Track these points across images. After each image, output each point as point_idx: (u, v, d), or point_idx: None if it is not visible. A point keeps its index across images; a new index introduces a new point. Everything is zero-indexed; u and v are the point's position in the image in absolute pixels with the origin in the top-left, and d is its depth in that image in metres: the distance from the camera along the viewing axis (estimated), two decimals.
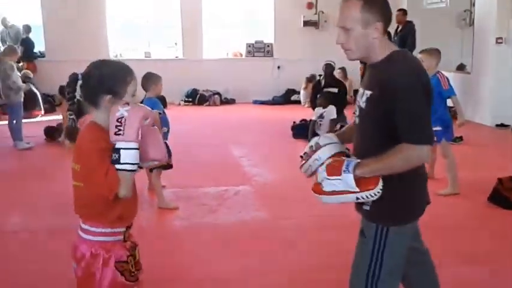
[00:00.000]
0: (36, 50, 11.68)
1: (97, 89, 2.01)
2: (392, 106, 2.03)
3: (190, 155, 7.23)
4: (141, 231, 4.35)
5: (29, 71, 10.42)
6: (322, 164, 2.15)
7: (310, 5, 12.37)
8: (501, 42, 8.92)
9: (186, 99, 12.08)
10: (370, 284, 2.19)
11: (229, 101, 12.16)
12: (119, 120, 1.90)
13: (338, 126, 8.36)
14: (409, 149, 2.02)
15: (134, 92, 2.08)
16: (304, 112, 9.39)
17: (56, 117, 8.89)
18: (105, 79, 2.01)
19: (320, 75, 10.44)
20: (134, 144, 1.92)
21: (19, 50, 10.95)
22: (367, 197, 2.04)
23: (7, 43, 11.62)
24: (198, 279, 3.56)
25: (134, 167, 1.94)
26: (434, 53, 5.65)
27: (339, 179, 2.05)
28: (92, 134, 2.02)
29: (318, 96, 8.47)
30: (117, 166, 1.91)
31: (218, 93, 12.08)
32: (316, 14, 12.34)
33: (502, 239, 4.30)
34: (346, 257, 3.79)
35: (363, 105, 2.18)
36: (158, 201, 4.99)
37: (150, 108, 2.05)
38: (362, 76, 10.36)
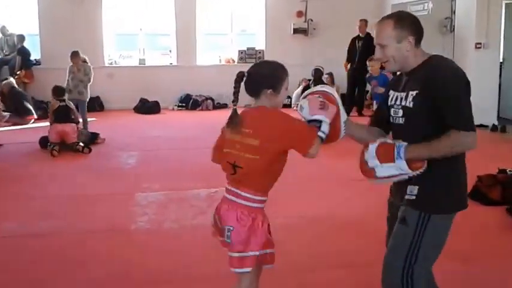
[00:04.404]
0: (32, 58, 11.84)
1: (260, 84, 2.46)
2: (439, 98, 2.27)
3: (182, 158, 7.44)
4: (131, 233, 4.63)
5: (11, 81, 10.70)
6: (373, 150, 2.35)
7: (300, 14, 12.67)
8: (480, 47, 9.34)
9: (180, 104, 12.32)
10: (408, 265, 2.37)
11: (222, 106, 12.42)
12: (322, 101, 2.39)
13: None
14: (456, 135, 2.24)
15: (287, 86, 2.52)
16: (293, 114, 9.61)
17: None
18: (267, 77, 2.48)
19: (309, 80, 10.80)
20: (329, 120, 2.39)
21: (17, 59, 11.33)
22: (417, 174, 2.30)
23: (4, 51, 11.91)
24: (191, 279, 3.69)
25: (324, 137, 2.38)
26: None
27: (392, 166, 2.29)
28: (275, 110, 2.47)
29: None
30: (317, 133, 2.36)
31: (211, 98, 12.35)
32: (305, 22, 12.64)
33: (483, 233, 4.55)
34: (336, 256, 4.05)
35: (409, 104, 2.38)
36: None
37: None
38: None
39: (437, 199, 2.39)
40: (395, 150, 2.29)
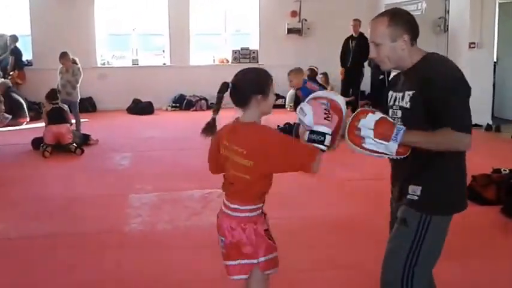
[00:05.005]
0: (23, 58, 11.76)
1: (249, 92, 2.37)
2: (435, 99, 2.20)
3: (176, 159, 7.41)
4: (125, 235, 4.59)
5: (7, 81, 10.69)
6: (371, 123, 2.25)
7: (294, 13, 12.68)
8: (474, 47, 9.38)
9: (173, 104, 12.28)
10: (408, 267, 2.33)
11: None
12: (326, 109, 2.30)
13: None
14: (451, 133, 2.19)
15: (274, 91, 2.44)
16: (288, 116, 9.60)
17: (42, 125, 9.05)
18: (255, 83, 2.39)
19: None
20: (331, 132, 2.30)
21: (11, 59, 11.25)
22: (396, 159, 2.27)
23: None
24: (185, 280, 3.66)
25: (325, 150, 2.29)
26: (300, 71, 7.69)
27: (384, 144, 2.20)
28: (267, 128, 2.39)
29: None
30: (320, 146, 2.26)
31: (205, 99, 12.32)
32: (299, 22, 12.65)
33: (477, 233, 4.54)
34: (332, 256, 4.03)
35: (406, 105, 2.33)
36: None
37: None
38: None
39: (440, 200, 2.34)
40: (395, 131, 2.21)
